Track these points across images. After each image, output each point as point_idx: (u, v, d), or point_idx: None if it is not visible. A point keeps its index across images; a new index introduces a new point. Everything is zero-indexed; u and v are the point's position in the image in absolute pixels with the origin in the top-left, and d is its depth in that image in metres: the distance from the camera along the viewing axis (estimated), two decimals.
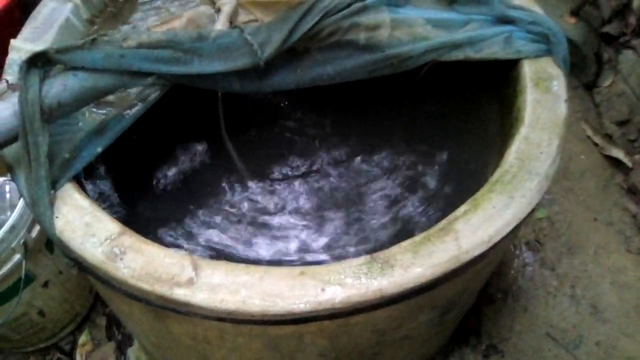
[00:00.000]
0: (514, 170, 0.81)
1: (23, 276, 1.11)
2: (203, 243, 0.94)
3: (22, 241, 1.10)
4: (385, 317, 0.78)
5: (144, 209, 0.97)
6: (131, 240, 0.73)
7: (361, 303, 0.70)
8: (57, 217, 0.76)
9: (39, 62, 0.76)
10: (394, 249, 0.73)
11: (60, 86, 0.76)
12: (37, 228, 1.15)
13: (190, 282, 0.69)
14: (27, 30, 0.97)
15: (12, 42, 0.94)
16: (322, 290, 0.69)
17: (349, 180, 1.04)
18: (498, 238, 0.75)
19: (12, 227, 1.08)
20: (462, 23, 0.96)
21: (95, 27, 1.04)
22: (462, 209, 0.77)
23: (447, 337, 1.30)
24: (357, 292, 0.69)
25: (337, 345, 0.83)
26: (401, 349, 0.98)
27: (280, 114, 1.13)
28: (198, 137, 1.08)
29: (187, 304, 0.69)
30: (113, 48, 0.78)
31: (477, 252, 0.73)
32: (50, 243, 1.21)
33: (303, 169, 1.05)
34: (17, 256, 1.11)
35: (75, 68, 0.77)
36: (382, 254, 0.72)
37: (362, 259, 0.72)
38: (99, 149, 0.82)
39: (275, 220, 1.00)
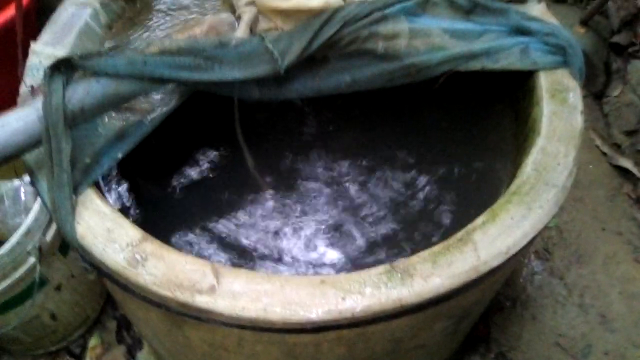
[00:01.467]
0: (531, 181, 0.81)
1: (37, 279, 1.12)
2: (220, 249, 0.95)
3: (36, 244, 1.11)
4: (403, 326, 0.78)
5: (161, 214, 0.98)
6: (152, 246, 0.74)
7: (381, 312, 0.70)
8: (78, 223, 0.76)
9: (63, 68, 0.76)
10: (414, 258, 0.73)
11: (83, 92, 0.76)
12: (51, 232, 1.15)
13: (211, 290, 0.70)
14: (47, 34, 0.98)
15: (33, 46, 0.94)
16: (343, 299, 0.69)
17: (365, 190, 1.05)
18: (516, 249, 0.75)
19: (28, 231, 1.09)
20: (478, 33, 0.96)
21: (114, 31, 1.05)
22: (480, 219, 0.78)
23: (458, 345, 1.30)
24: (378, 302, 0.69)
25: (354, 353, 0.83)
26: (415, 357, 0.98)
27: (297, 123, 1.13)
28: (215, 143, 1.09)
29: (208, 311, 0.69)
30: (135, 54, 0.79)
31: (495, 262, 0.74)
32: (63, 247, 1.22)
33: (319, 178, 1.06)
34: (32, 259, 1.12)
35: (98, 74, 0.78)
36: (401, 264, 0.73)
37: (382, 268, 0.72)
38: (120, 155, 0.82)
39: (292, 227, 1.01)
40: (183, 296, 0.70)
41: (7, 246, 1.07)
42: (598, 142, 1.80)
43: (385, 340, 0.82)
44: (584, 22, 1.85)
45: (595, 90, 1.89)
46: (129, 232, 0.75)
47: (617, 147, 1.78)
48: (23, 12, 1.10)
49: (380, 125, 1.12)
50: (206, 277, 0.71)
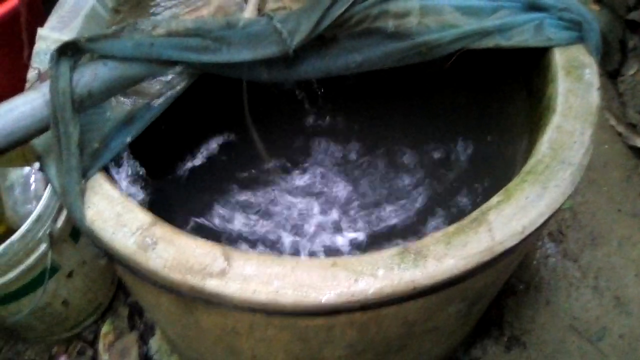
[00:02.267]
0: (547, 160, 0.80)
1: (49, 266, 1.12)
2: (229, 231, 0.94)
3: (47, 231, 1.11)
4: (416, 308, 0.77)
5: (170, 198, 0.97)
6: (162, 230, 0.73)
7: (393, 294, 0.69)
8: (88, 207, 0.76)
9: (70, 51, 0.75)
10: (427, 239, 0.72)
11: (90, 75, 0.76)
12: (62, 218, 1.15)
13: (222, 273, 0.69)
14: (53, 19, 0.97)
15: (40, 31, 0.94)
16: (355, 281, 0.68)
17: (376, 172, 1.03)
18: (532, 229, 0.74)
19: (38, 217, 1.09)
20: (491, 10, 0.94)
21: (121, 16, 1.04)
22: (494, 199, 0.76)
23: (471, 329, 1.29)
24: (390, 284, 0.68)
25: (366, 336, 0.83)
26: (428, 341, 0.97)
27: (307, 103, 1.12)
28: (223, 126, 1.08)
29: (219, 295, 0.69)
30: (143, 36, 0.77)
31: (510, 243, 0.72)
32: (74, 233, 1.22)
33: (328, 159, 1.05)
34: (43, 246, 1.12)
35: (105, 57, 0.77)
36: (414, 245, 0.71)
37: (395, 249, 0.71)
38: (128, 139, 0.82)
39: (300, 209, 1.00)
40: (194, 280, 0.69)
41: (18, 233, 1.07)
42: (613, 121, 1.77)
43: (398, 323, 0.81)
44: None
45: (610, 69, 1.86)
46: (139, 216, 0.75)
47: (632, 127, 1.74)
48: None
49: (391, 105, 1.11)
50: (217, 261, 0.70)
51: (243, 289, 0.68)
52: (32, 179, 1.22)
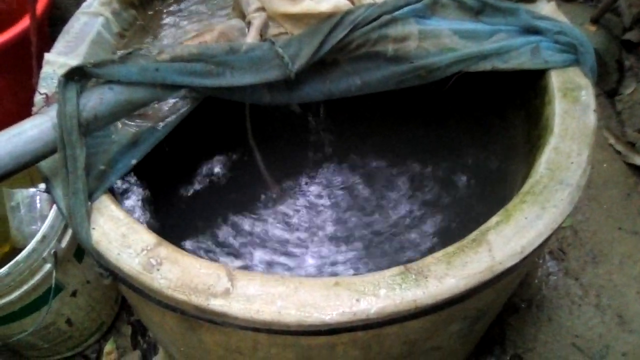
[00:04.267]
0: (544, 180, 0.81)
1: (53, 285, 1.13)
2: (233, 253, 0.95)
3: (52, 251, 1.12)
4: (417, 327, 0.78)
5: (175, 219, 0.98)
6: (167, 251, 0.74)
7: (395, 314, 0.70)
8: (93, 229, 0.77)
9: (76, 76, 0.77)
10: (428, 259, 0.73)
11: (96, 99, 0.77)
12: (67, 238, 1.17)
13: (226, 293, 0.70)
14: (60, 44, 0.99)
15: (46, 56, 0.96)
16: (357, 300, 0.69)
17: (376, 192, 1.05)
18: (531, 249, 0.75)
19: (43, 237, 1.10)
20: (488, 34, 0.96)
21: (125, 40, 1.06)
22: (494, 219, 0.77)
23: (473, 347, 1.30)
24: (392, 303, 0.69)
25: (368, 355, 0.83)
26: (430, 359, 0.98)
27: (309, 127, 1.14)
28: (227, 147, 1.10)
29: (223, 315, 0.70)
30: (148, 61, 0.79)
31: (510, 263, 0.73)
32: (78, 253, 1.23)
33: (330, 181, 1.06)
34: (48, 266, 1.13)
35: (111, 82, 0.79)
36: (415, 265, 0.73)
37: (396, 269, 0.72)
38: (134, 161, 0.83)
39: (302, 232, 1.01)
40: (198, 300, 0.70)
41: (24, 253, 1.08)
42: (612, 140, 1.79)
43: (400, 342, 0.82)
44: (595, 20, 1.84)
45: (608, 88, 1.88)
46: (144, 237, 0.76)
47: (631, 145, 1.76)
48: (37, 23, 1.11)
49: (391, 126, 1.12)
50: (220, 281, 0.71)
51: (246, 308, 0.69)
52: (37, 199, 1.24)
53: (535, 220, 0.77)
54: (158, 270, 0.73)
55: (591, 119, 0.88)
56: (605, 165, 1.74)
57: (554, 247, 1.57)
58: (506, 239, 0.75)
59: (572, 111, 0.89)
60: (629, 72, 1.82)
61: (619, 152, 1.76)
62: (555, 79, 0.93)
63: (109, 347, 1.43)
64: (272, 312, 0.68)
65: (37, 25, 1.11)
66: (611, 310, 1.46)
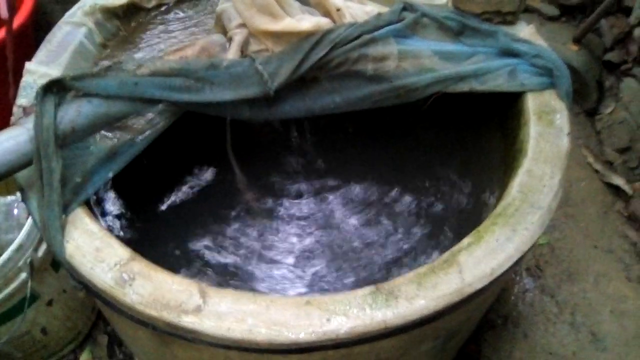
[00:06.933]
0: (516, 203, 0.82)
1: (28, 295, 1.12)
2: (208, 267, 0.95)
3: (28, 260, 1.11)
4: (388, 347, 0.79)
5: (151, 232, 0.98)
6: (140, 265, 0.74)
7: (365, 334, 0.71)
8: (67, 242, 0.77)
9: (55, 89, 0.77)
10: (399, 279, 0.74)
11: (74, 112, 0.77)
12: (43, 247, 1.16)
13: (197, 310, 0.70)
14: (41, 53, 0.99)
15: (27, 65, 0.96)
16: (328, 320, 0.70)
17: (350, 209, 1.06)
18: (501, 271, 0.76)
19: (20, 246, 1.09)
20: (467, 55, 0.97)
21: (108, 50, 1.06)
22: (465, 241, 0.78)
23: None
24: (362, 323, 0.70)
25: None
26: None
27: (287, 141, 1.14)
28: (205, 162, 1.10)
29: (194, 332, 0.70)
30: (127, 75, 0.80)
31: (480, 285, 0.74)
32: (55, 262, 1.22)
33: (305, 196, 1.07)
34: (23, 275, 1.12)
35: (89, 94, 0.79)
36: (387, 285, 0.73)
37: (368, 289, 0.73)
38: (110, 174, 0.83)
39: (279, 245, 1.01)
40: (169, 316, 0.70)
41: None
42: (590, 159, 1.81)
43: None
44: (577, 40, 1.87)
45: (588, 107, 1.91)
46: (118, 251, 0.76)
47: (609, 164, 1.79)
48: (14, 36, 1.10)
49: (368, 145, 1.13)
50: (192, 297, 0.71)
51: (217, 326, 0.69)
52: (15, 207, 1.23)
53: (505, 242, 0.78)
54: (130, 285, 0.73)
55: (564, 142, 0.90)
56: (583, 183, 1.77)
57: (531, 264, 1.59)
58: (477, 261, 0.76)
59: (546, 134, 0.91)
60: (608, 92, 1.85)
61: (597, 171, 1.79)
62: (532, 102, 0.95)
63: (85, 356, 1.42)
64: (242, 330, 0.69)
65: (13, 41, 1.10)
66: (585, 328, 1.48)
